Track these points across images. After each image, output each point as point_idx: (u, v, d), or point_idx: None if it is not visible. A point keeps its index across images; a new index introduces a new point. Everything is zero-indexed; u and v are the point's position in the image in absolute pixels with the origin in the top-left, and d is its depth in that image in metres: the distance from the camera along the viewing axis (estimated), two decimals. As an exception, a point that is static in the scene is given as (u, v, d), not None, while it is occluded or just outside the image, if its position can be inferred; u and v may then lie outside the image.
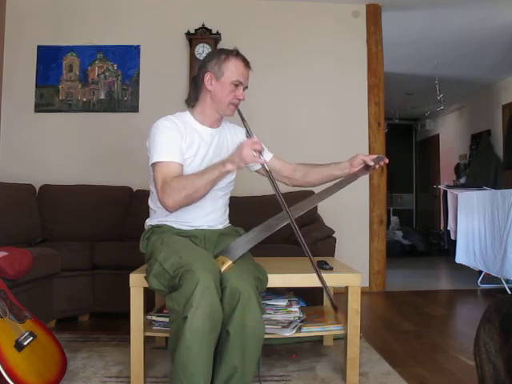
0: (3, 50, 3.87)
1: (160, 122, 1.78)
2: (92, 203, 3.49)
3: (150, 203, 1.92)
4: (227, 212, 2.01)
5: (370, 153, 4.04)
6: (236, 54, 1.82)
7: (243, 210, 2.88)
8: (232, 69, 1.79)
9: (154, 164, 1.72)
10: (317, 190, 2.07)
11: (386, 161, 1.93)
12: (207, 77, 1.80)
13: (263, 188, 3.38)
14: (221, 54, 1.82)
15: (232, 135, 1.95)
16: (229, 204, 2.02)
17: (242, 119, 1.74)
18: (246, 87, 1.86)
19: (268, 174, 1.68)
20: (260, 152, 1.63)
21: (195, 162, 1.80)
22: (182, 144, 1.77)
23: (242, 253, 1.64)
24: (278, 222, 1.70)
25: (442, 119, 8.25)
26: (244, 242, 1.67)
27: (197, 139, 1.82)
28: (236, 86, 1.80)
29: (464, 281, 4.49)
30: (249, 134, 1.67)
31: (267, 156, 2.04)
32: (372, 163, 1.90)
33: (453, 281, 4.88)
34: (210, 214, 1.88)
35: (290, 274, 2.00)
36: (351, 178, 1.92)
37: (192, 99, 1.89)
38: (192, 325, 1.41)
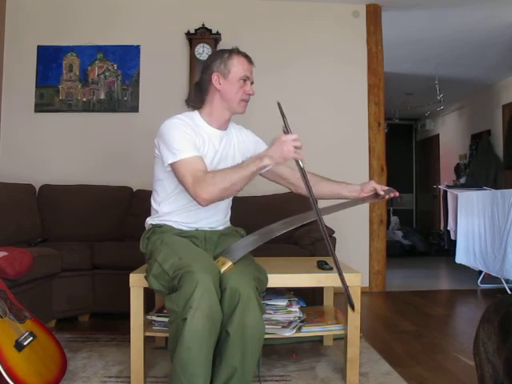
0: (3, 50, 3.87)
1: (173, 119, 1.77)
2: (92, 203, 3.49)
3: (153, 202, 1.91)
4: (229, 214, 2.00)
5: (370, 153, 4.06)
6: (237, 51, 1.84)
7: (243, 211, 2.88)
8: (237, 65, 1.80)
9: (175, 162, 1.69)
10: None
11: (397, 194, 1.94)
12: (215, 77, 1.80)
13: (264, 189, 3.39)
14: (223, 53, 1.84)
15: (238, 138, 1.95)
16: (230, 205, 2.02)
17: (282, 115, 1.67)
18: (253, 82, 1.86)
19: (301, 171, 1.61)
20: (299, 149, 1.57)
21: None
22: (196, 141, 1.76)
23: (242, 254, 1.64)
24: (280, 228, 1.69)
25: (442, 119, 8.25)
26: (245, 244, 1.67)
27: (206, 141, 1.81)
28: (244, 81, 1.81)
29: (464, 281, 4.49)
30: (287, 130, 1.61)
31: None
32: (382, 193, 1.90)
33: (453, 281, 4.88)
34: (213, 216, 1.88)
35: (290, 274, 1.99)
36: (358, 201, 1.94)
37: (197, 102, 1.88)
38: (191, 326, 1.41)
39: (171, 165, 1.70)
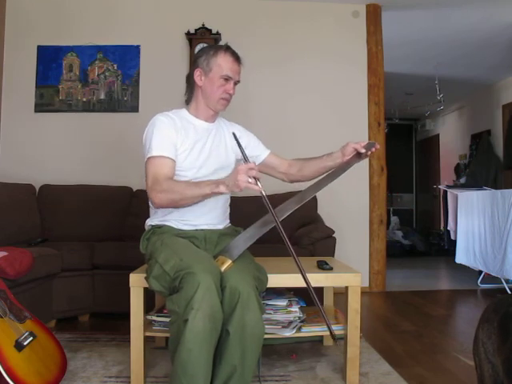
0: (3, 49, 3.87)
1: (156, 118, 1.81)
2: (92, 203, 3.49)
3: (150, 202, 1.92)
4: (228, 211, 2.01)
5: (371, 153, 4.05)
6: (225, 49, 1.84)
7: (244, 211, 2.88)
8: (220, 64, 1.81)
9: (148, 158, 1.75)
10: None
11: (378, 146, 1.92)
12: (197, 73, 1.84)
13: (264, 189, 3.39)
14: (210, 50, 1.85)
15: (230, 131, 1.96)
16: (229, 204, 2.03)
17: (239, 145, 1.69)
18: (238, 82, 1.87)
19: (264, 199, 1.58)
20: (256, 178, 1.52)
21: (192, 155, 1.81)
22: (178, 139, 1.79)
23: (241, 251, 1.64)
24: (273, 219, 1.69)
25: (442, 119, 8.25)
26: (243, 241, 1.67)
27: (192, 132, 1.84)
28: (226, 80, 1.82)
29: (464, 281, 4.49)
30: (245, 160, 1.63)
31: (265, 152, 2.05)
32: (363, 150, 1.88)
33: (453, 281, 4.88)
34: (212, 212, 1.88)
35: (290, 274, 1.99)
36: (344, 166, 1.91)
37: (188, 97, 1.92)
38: (193, 327, 1.41)
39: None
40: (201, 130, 1.86)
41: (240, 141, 1.97)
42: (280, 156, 2.10)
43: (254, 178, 1.51)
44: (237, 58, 1.84)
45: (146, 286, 1.73)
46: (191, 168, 1.81)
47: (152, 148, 1.74)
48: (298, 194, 1.82)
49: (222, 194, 1.59)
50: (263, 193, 1.56)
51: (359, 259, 3.90)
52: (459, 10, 4.17)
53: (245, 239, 1.67)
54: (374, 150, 1.92)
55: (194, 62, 1.88)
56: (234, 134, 1.77)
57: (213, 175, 1.83)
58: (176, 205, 1.69)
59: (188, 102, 1.93)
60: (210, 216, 1.87)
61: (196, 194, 1.61)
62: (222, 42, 3.87)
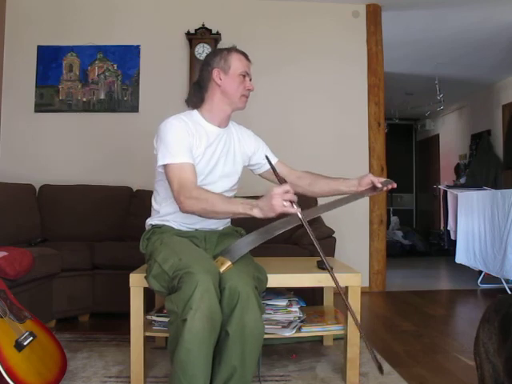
0: (3, 50, 3.87)
1: (170, 121, 1.77)
2: (92, 203, 3.49)
3: (154, 203, 1.91)
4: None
5: (370, 153, 4.06)
6: (235, 49, 1.87)
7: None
8: (237, 61, 1.83)
9: (167, 165, 1.70)
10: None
11: (394, 185, 1.92)
12: (215, 73, 1.82)
13: (264, 189, 3.39)
14: (222, 51, 1.86)
15: (239, 136, 1.95)
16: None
17: (273, 169, 1.67)
18: (251, 79, 1.88)
19: (303, 222, 1.53)
20: (292, 202, 1.46)
21: (203, 161, 1.80)
22: (193, 144, 1.77)
23: (241, 254, 1.64)
24: (280, 227, 1.69)
25: (442, 119, 8.25)
26: (244, 244, 1.67)
27: (204, 138, 1.81)
28: (244, 77, 1.83)
29: (464, 281, 4.49)
30: (279, 182, 1.57)
31: (273, 160, 2.05)
32: (380, 185, 1.90)
33: (453, 281, 4.88)
34: (214, 220, 1.87)
35: (290, 274, 2.00)
36: (357, 195, 1.93)
37: (196, 102, 1.88)
38: (191, 327, 1.41)
39: (163, 166, 1.73)
40: (212, 135, 1.84)
41: (248, 146, 1.97)
42: (289, 165, 2.09)
43: (290, 201, 1.46)
44: (247, 56, 1.88)
45: (146, 285, 1.74)
46: (200, 174, 1.77)
47: (171, 154, 1.69)
48: (306, 210, 1.81)
49: (254, 216, 1.52)
50: (300, 215, 1.50)
51: (359, 259, 3.90)
52: (459, 10, 4.17)
53: (247, 243, 1.67)
54: (390, 187, 1.92)
55: (206, 64, 1.86)
56: (266, 157, 1.74)
57: (216, 183, 1.82)
58: (205, 214, 1.63)
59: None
60: (212, 221, 1.87)
61: (227, 210, 1.57)
62: (221, 42, 3.88)
